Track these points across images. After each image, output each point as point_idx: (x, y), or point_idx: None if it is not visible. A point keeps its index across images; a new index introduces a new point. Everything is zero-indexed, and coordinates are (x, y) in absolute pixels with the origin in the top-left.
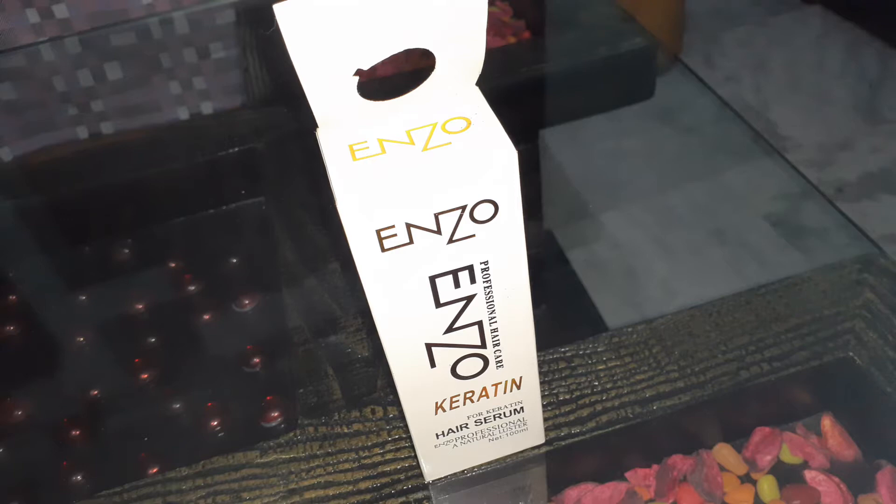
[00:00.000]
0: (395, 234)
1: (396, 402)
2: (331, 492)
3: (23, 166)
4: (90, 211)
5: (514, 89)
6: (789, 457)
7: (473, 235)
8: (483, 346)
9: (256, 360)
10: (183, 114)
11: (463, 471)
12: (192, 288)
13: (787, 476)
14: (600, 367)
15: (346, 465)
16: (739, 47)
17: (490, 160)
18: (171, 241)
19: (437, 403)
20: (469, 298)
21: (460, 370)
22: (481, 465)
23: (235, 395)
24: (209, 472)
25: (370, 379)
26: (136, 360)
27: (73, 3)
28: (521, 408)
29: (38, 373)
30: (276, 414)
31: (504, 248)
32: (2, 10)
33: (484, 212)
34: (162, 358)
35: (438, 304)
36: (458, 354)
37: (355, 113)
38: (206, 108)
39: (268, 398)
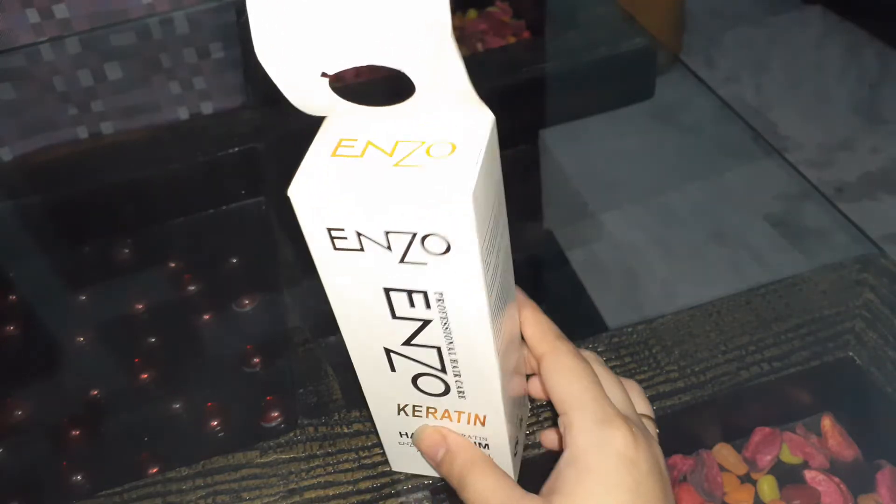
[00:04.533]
0: (346, 238)
1: None
2: (331, 492)
3: (23, 166)
4: (90, 211)
5: (514, 89)
6: (789, 457)
7: (425, 264)
8: (443, 370)
9: (256, 360)
10: (183, 114)
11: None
12: (192, 288)
13: (787, 476)
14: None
15: (346, 465)
16: (739, 47)
17: (448, 197)
18: (171, 241)
19: (399, 405)
20: (425, 322)
21: (422, 385)
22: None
23: (235, 395)
24: (209, 472)
25: None
26: (136, 360)
27: (73, 3)
28: (486, 444)
29: (38, 373)
30: (276, 414)
31: (460, 287)
32: (2, 10)
33: (435, 245)
34: (162, 358)
35: (395, 316)
36: (418, 370)
37: (363, 110)
38: (206, 108)
39: (268, 398)
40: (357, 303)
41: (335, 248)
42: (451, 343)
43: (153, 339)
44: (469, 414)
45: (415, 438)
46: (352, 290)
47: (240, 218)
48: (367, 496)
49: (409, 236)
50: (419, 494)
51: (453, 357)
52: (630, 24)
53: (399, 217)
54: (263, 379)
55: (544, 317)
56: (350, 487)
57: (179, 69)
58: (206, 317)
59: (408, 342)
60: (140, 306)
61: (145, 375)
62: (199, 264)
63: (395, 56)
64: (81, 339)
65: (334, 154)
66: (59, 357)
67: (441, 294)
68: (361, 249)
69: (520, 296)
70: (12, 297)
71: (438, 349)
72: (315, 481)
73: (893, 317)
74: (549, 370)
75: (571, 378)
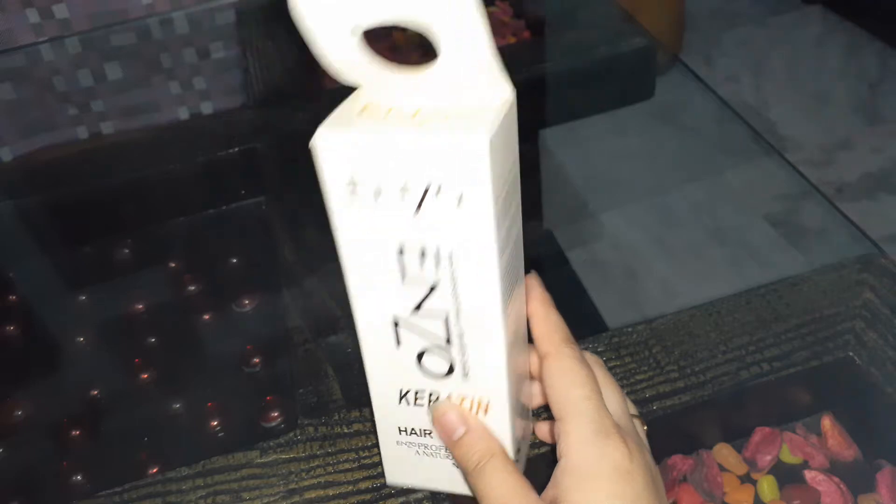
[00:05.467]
0: (364, 188)
1: None
2: (331, 492)
3: (23, 166)
4: (90, 211)
5: (515, 89)
6: (789, 457)
7: (439, 216)
8: (448, 342)
9: (256, 360)
10: (183, 114)
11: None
12: (192, 288)
13: (787, 476)
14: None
15: (346, 465)
16: (739, 47)
17: (465, 140)
18: (171, 241)
19: (401, 392)
20: (434, 284)
21: (426, 363)
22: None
23: (235, 395)
24: (209, 472)
25: None
26: (136, 360)
27: (73, 3)
28: None
29: (38, 373)
30: (276, 414)
31: (470, 240)
32: (2, 10)
33: (450, 194)
34: (162, 358)
35: (405, 279)
36: (424, 343)
37: (394, 78)
38: (206, 108)
39: (268, 398)
40: (369, 263)
41: (354, 203)
42: (458, 309)
43: (153, 339)
44: (472, 400)
45: (433, 410)
46: (365, 248)
47: (240, 218)
48: (367, 496)
49: (426, 184)
50: (419, 494)
51: (460, 326)
52: (630, 24)
53: (416, 163)
54: (263, 379)
55: (555, 316)
56: (350, 487)
57: (179, 69)
58: (206, 317)
59: (416, 309)
60: (140, 306)
61: (145, 375)
62: (199, 264)
63: (420, 15)
64: (81, 339)
65: (359, 115)
66: (59, 357)
67: (451, 251)
68: (378, 204)
69: (536, 287)
70: (12, 298)
71: (446, 317)
72: (315, 481)
73: (893, 317)
74: (551, 372)
75: (572, 383)
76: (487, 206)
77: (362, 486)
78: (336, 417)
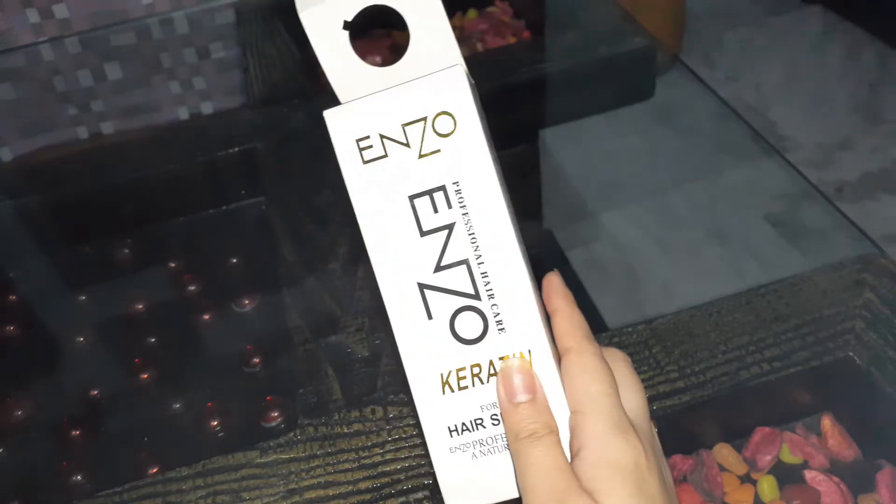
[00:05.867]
0: (372, 146)
1: (396, 402)
2: (331, 492)
3: (23, 166)
4: (90, 211)
5: (515, 89)
6: (789, 457)
7: (439, 150)
8: (476, 295)
9: (256, 360)
10: (183, 114)
11: None
12: (192, 288)
13: (787, 476)
14: None
15: (346, 465)
16: (739, 47)
17: (443, 72)
18: (171, 241)
19: (442, 377)
20: (450, 227)
21: (460, 329)
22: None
23: (235, 395)
24: (209, 472)
25: (370, 379)
26: (136, 360)
27: (73, 3)
28: None
29: (38, 373)
30: (276, 414)
31: (471, 166)
32: (2, 10)
33: (444, 124)
34: (162, 358)
35: (423, 233)
36: (454, 304)
37: (378, 71)
38: (206, 108)
39: (268, 398)
40: (386, 223)
41: (364, 162)
42: (476, 249)
43: (153, 339)
44: (513, 356)
45: (502, 366)
46: (380, 207)
47: (240, 218)
48: (367, 496)
49: (422, 123)
50: (419, 494)
51: (483, 270)
52: (630, 24)
53: (410, 105)
54: (263, 379)
55: (578, 313)
56: (350, 487)
57: (179, 69)
58: (206, 317)
59: (438, 267)
60: (140, 306)
61: (145, 375)
62: (199, 264)
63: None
64: (81, 339)
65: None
66: (59, 357)
67: (458, 184)
68: (386, 155)
69: (559, 284)
70: (12, 297)
71: (467, 265)
72: (315, 481)
73: (893, 317)
74: (572, 366)
75: (592, 379)
76: (475, 126)
77: (362, 486)
78: (336, 417)
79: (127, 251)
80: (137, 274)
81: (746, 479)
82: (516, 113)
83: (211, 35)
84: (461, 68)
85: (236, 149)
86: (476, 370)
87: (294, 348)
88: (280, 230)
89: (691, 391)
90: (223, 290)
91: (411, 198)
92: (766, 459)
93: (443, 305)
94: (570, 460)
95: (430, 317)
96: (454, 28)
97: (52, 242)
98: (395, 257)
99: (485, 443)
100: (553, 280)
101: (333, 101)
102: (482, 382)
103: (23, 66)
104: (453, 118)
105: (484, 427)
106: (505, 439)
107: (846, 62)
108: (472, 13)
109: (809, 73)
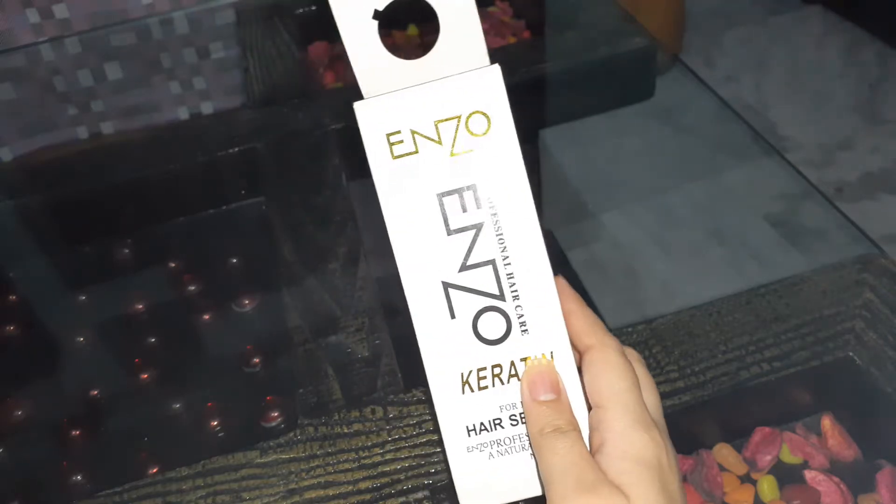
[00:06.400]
0: (402, 141)
1: (396, 402)
2: (331, 492)
3: (23, 166)
4: (90, 211)
5: (515, 89)
6: (789, 457)
7: (472, 150)
8: (501, 296)
9: (256, 360)
10: (183, 114)
11: None
12: (192, 288)
13: (787, 476)
14: None
15: (346, 465)
16: (739, 47)
17: (480, 72)
18: (171, 241)
19: (462, 376)
20: (478, 227)
21: (482, 329)
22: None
23: (235, 395)
24: (209, 472)
25: (370, 379)
26: (136, 360)
27: (73, 3)
28: None
29: (38, 373)
30: (276, 414)
31: (503, 167)
32: (2, 10)
33: (478, 124)
34: (162, 358)
35: (450, 231)
36: (478, 304)
37: (406, 64)
38: (206, 108)
39: (268, 398)
40: (413, 221)
41: (394, 157)
42: (504, 250)
43: (153, 339)
44: (535, 358)
45: (528, 366)
46: (408, 204)
47: (240, 218)
48: (367, 496)
49: (456, 121)
50: (419, 494)
51: (509, 272)
52: (630, 24)
53: (444, 102)
54: (263, 379)
55: (592, 312)
56: (350, 487)
57: (179, 69)
58: (206, 317)
59: (464, 266)
60: (140, 306)
61: (145, 375)
62: (199, 264)
63: None
64: (81, 339)
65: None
66: (59, 357)
67: (489, 184)
68: (416, 151)
69: (567, 287)
70: (12, 297)
71: (494, 265)
72: (315, 481)
73: (893, 317)
74: (595, 362)
75: (616, 375)
76: (510, 127)
77: (362, 486)
78: (336, 417)
79: (127, 251)
80: (137, 274)
81: (746, 479)
82: (516, 113)
83: (211, 35)
84: (499, 69)
85: (236, 149)
86: (497, 370)
87: (294, 348)
88: (280, 230)
89: (691, 391)
90: (223, 290)
91: (440, 196)
92: (766, 459)
93: (466, 305)
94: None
95: (452, 316)
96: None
97: (52, 242)
98: (421, 255)
99: (502, 443)
100: (560, 283)
101: (334, 99)
102: (503, 383)
103: (23, 66)
104: (488, 118)
105: (502, 427)
106: (523, 440)
107: (846, 62)
108: None
109: (809, 73)
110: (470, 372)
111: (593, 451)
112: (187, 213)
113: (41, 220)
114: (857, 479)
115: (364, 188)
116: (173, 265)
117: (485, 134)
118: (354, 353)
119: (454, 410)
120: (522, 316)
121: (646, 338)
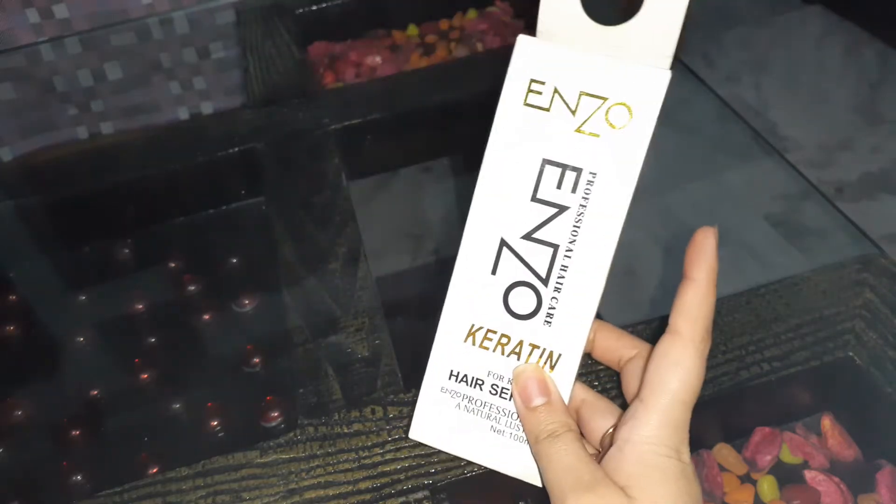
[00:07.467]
0: (541, 93)
1: (396, 402)
2: (331, 492)
3: (23, 166)
4: (90, 211)
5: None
6: (789, 457)
7: (598, 136)
8: (546, 280)
9: (256, 360)
10: (183, 114)
11: (462, 469)
12: (192, 288)
13: (787, 476)
14: (600, 368)
15: (346, 465)
16: (739, 47)
17: (645, 74)
18: (171, 241)
19: (472, 327)
20: (561, 209)
21: (512, 299)
22: (469, 462)
23: (235, 395)
24: (209, 472)
25: (370, 379)
26: (136, 360)
27: (73, 3)
28: None
29: (38, 373)
30: (276, 414)
31: (619, 167)
32: (2, 10)
33: (619, 116)
34: (162, 358)
35: (534, 197)
36: (521, 275)
37: (594, 29)
38: (206, 108)
39: (268, 398)
40: (507, 173)
41: (525, 104)
42: (573, 242)
43: (153, 339)
44: (543, 351)
45: (516, 371)
46: (511, 154)
47: (240, 218)
48: (367, 496)
49: (600, 101)
50: (419, 494)
51: (565, 264)
52: None
53: (601, 80)
54: (263, 379)
55: (712, 296)
56: (350, 487)
57: (179, 69)
58: (206, 317)
59: (528, 235)
60: (140, 306)
61: (145, 375)
62: (199, 264)
63: None
64: (81, 339)
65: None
66: (59, 357)
67: (596, 176)
68: (548, 109)
69: (709, 247)
70: (12, 297)
71: (555, 250)
72: (315, 481)
73: (893, 317)
74: (670, 353)
75: (679, 377)
76: (646, 136)
77: (362, 486)
78: (336, 417)
79: (127, 251)
80: (137, 274)
81: (746, 479)
82: None
83: (211, 35)
84: (669, 77)
85: (236, 149)
86: (504, 340)
87: (294, 348)
88: (280, 230)
89: None
90: (223, 290)
91: (545, 161)
92: (766, 459)
93: (511, 270)
94: (614, 441)
95: (493, 272)
96: (453, 28)
97: (52, 242)
98: (497, 205)
99: (473, 402)
100: (707, 240)
101: (334, 99)
102: (503, 354)
103: (23, 66)
104: (631, 115)
105: (481, 390)
106: (491, 410)
107: (846, 62)
108: (472, 13)
109: (809, 73)
110: (481, 328)
111: (617, 445)
112: (187, 213)
113: (41, 220)
114: (857, 479)
115: (364, 188)
116: (173, 265)
117: (620, 128)
118: (354, 353)
119: (449, 351)
120: (553, 308)
121: (646, 338)
